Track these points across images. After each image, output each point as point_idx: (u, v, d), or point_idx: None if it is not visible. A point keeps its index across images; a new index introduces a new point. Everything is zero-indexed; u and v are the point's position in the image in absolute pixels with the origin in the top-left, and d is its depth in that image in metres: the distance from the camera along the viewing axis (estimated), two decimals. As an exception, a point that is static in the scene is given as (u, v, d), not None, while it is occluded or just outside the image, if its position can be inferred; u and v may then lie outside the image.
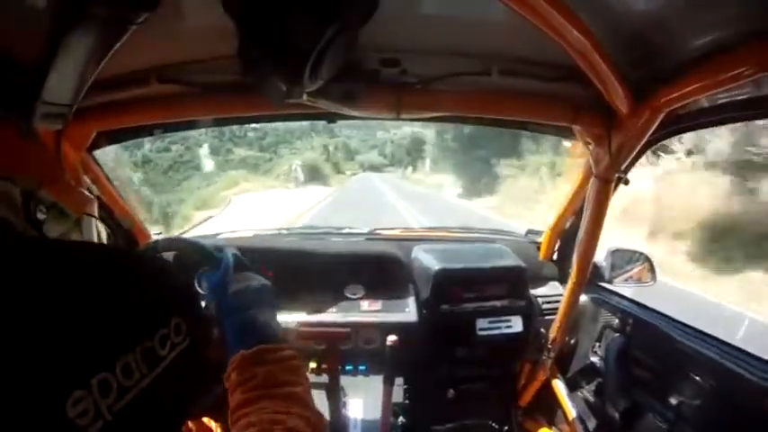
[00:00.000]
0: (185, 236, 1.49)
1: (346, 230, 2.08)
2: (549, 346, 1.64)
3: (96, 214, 0.69)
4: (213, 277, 0.79)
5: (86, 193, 0.67)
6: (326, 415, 1.44)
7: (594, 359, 1.54)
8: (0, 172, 0.52)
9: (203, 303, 0.80)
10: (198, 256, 0.99)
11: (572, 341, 1.68)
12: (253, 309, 0.72)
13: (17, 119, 0.65)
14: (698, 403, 1.10)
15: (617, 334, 1.44)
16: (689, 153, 9.54)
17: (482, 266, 1.59)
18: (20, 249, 0.45)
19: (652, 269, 1.60)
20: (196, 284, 1.58)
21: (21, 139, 0.59)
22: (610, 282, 1.61)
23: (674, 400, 1.18)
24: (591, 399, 1.55)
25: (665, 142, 1.36)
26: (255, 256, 1.59)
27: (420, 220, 12.63)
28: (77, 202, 0.64)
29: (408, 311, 1.59)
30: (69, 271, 0.45)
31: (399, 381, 1.69)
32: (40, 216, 0.54)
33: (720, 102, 1.01)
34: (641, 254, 1.64)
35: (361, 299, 1.62)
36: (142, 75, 1.07)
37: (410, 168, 41.29)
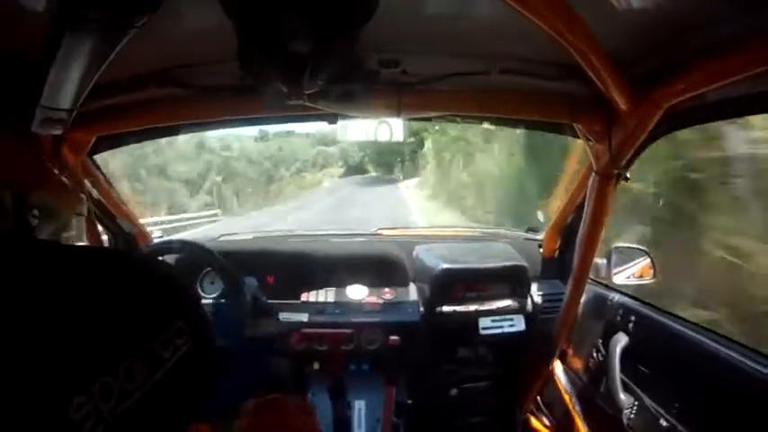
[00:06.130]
0: (194, 239, 1.49)
1: (347, 232, 2.08)
2: (552, 345, 1.63)
3: (86, 213, 0.70)
4: (235, 312, 0.82)
5: (79, 193, 0.68)
6: (330, 415, 1.44)
7: (598, 356, 1.53)
8: None
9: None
10: (216, 270, 0.99)
11: (575, 339, 1.67)
12: (268, 357, 0.75)
13: (14, 121, 0.65)
14: (703, 400, 1.10)
15: (620, 331, 1.44)
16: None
17: (484, 266, 1.59)
18: (21, 252, 0.45)
19: (653, 266, 1.60)
20: (198, 287, 1.60)
21: (15, 139, 0.60)
22: (611, 279, 1.61)
23: (678, 397, 1.17)
24: (595, 396, 1.55)
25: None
26: (257, 259, 1.62)
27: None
28: (70, 201, 0.64)
29: (411, 311, 1.59)
30: (71, 274, 0.45)
31: (402, 380, 1.70)
32: (32, 221, 0.55)
33: (720, 97, 1.01)
34: (643, 250, 1.63)
35: (363, 299, 1.62)
36: (142, 78, 1.07)
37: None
